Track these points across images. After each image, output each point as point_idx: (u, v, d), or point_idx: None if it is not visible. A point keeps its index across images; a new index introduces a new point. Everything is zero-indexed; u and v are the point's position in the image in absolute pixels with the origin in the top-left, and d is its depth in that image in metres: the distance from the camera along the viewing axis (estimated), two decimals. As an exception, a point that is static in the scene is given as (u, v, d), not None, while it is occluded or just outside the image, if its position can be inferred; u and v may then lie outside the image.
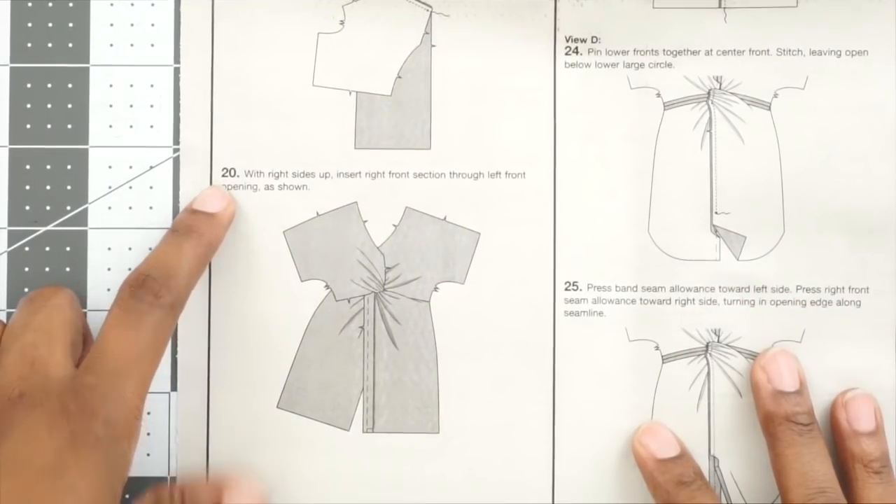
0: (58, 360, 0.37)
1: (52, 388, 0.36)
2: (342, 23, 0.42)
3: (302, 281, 0.42)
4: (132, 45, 0.42)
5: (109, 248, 0.42)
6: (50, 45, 0.42)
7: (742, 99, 0.42)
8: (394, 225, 0.42)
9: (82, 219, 0.42)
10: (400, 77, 0.42)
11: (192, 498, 0.38)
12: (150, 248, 0.42)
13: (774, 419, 0.39)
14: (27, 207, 0.42)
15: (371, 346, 0.42)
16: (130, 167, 0.42)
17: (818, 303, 0.42)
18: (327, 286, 0.42)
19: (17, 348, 0.37)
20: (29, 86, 0.42)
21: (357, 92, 0.42)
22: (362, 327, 0.42)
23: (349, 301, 0.42)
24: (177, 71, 0.42)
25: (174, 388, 0.42)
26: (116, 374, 0.36)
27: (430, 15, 0.42)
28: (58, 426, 0.35)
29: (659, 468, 0.40)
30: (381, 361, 0.42)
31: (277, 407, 0.42)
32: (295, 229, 0.42)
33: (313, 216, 0.42)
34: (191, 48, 0.42)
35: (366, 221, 0.42)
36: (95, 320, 0.42)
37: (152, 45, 0.42)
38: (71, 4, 0.42)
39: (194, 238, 0.40)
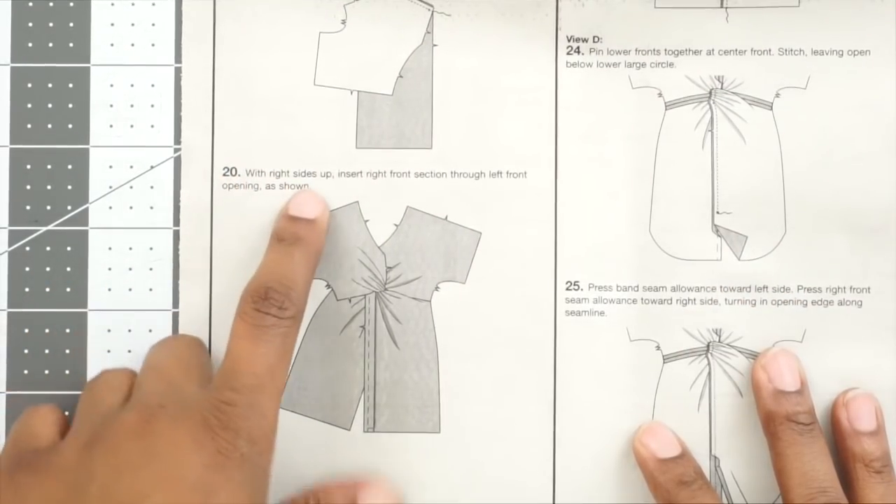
0: (193, 380, 0.37)
1: (192, 403, 0.36)
2: (343, 22, 0.42)
3: (303, 281, 0.42)
4: (133, 44, 0.42)
5: (110, 248, 0.42)
6: (51, 44, 0.42)
7: (744, 99, 0.42)
8: (395, 224, 0.42)
9: (83, 218, 0.42)
10: (401, 76, 0.42)
11: (327, 501, 0.39)
12: (151, 248, 0.42)
13: (775, 419, 0.40)
14: (28, 207, 0.42)
15: (372, 346, 0.42)
16: (131, 167, 0.42)
17: (819, 303, 0.42)
18: (328, 285, 0.42)
19: (153, 373, 0.38)
20: (30, 85, 0.42)
21: (358, 91, 0.42)
22: (363, 327, 0.42)
23: (350, 300, 0.42)
24: (178, 70, 0.42)
25: (175, 387, 0.42)
26: (253, 389, 0.36)
27: (432, 14, 0.42)
28: (203, 442, 0.35)
29: (660, 468, 0.40)
30: (381, 361, 0.42)
31: (278, 406, 0.42)
32: (296, 229, 0.42)
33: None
34: (192, 48, 0.42)
35: (367, 221, 0.42)
36: (95, 320, 0.42)
37: (153, 45, 0.42)
38: (72, 4, 0.42)
39: (302, 246, 0.40)
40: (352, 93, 0.42)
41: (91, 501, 0.34)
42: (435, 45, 0.42)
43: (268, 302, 0.37)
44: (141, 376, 0.39)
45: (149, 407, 0.36)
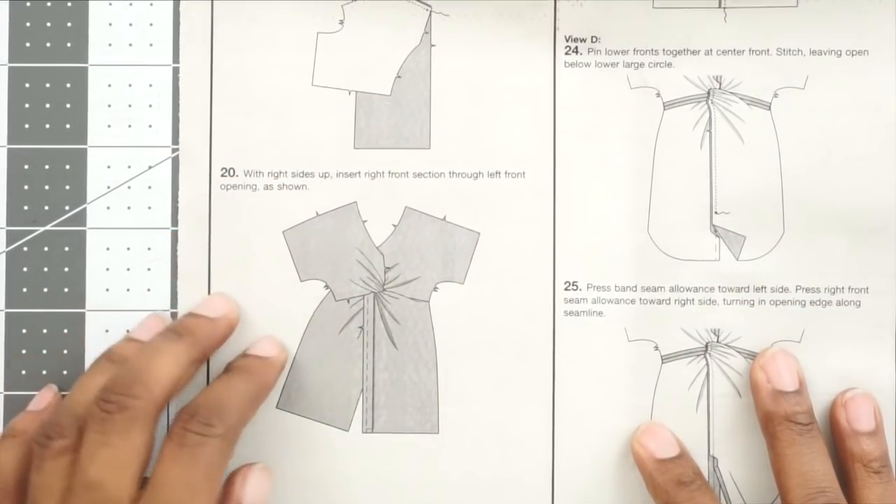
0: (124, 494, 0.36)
1: None
2: (342, 22, 0.42)
3: (301, 281, 0.42)
4: (131, 44, 0.42)
5: (108, 249, 0.42)
6: (48, 44, 0.42)
7: (742, 99, 0.42)
8: (393, 225, 0.42)
9: (81, 219, 0.42)
10: (399, 77, 0.42)
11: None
12: (149, 248, 0.42)
13: (774, 419, 0.39)
14: (25, 207, 0.42)
15: (370, 346, 0.42)
16: (129, 167, 0.42)
17: (818, 303, 0.42)
18: (327, 286, 0.42)
19: (83, 483, 0.36)
20: (27, 85, 0.42)
21: (356, 92, 0.42)
22: (362, 327, 0.42)
23: (349, 301, 0.42)
24: (176, 70, 0.42)
25: (173, 388, 0.42)
26: None
27: (430, 14, 0.42)
28: None
29: (658, 468, 0.40)
30: (380, 361, 0.42)
31: (277, 407, 0.42)
32: (294, 229, 0.42)
33: (313, 216, 0.42)
34: (190, 48, 0.42)
35: (365, 221, 0.42)
36: (93, 320, 0.42)
37: (151, 45, 0.42)
38: (69, 4, 0.42)
39: (245, 376, 0.40)
40: (350, 93, 0.42)
41: None
42: (433, 46, 0.42)
43: (194, 420, 0.37)
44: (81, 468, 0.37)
45: None
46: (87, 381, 0.39)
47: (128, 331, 0.42)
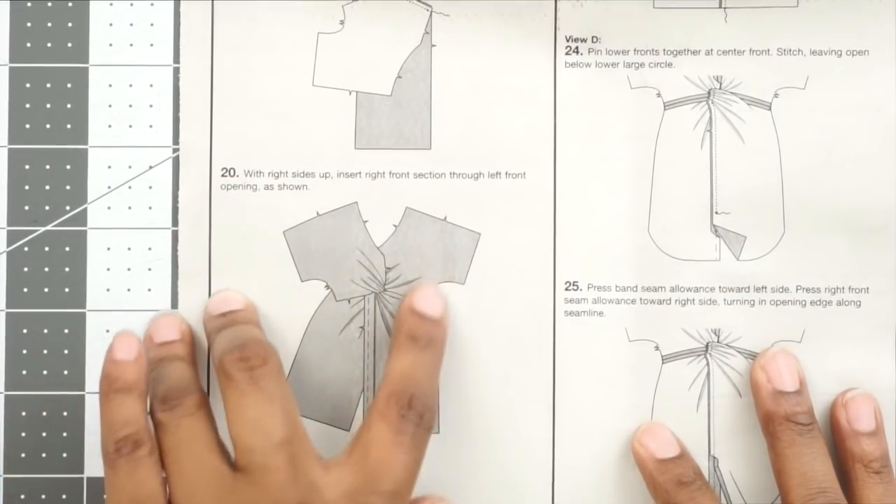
0: (310, 453, 0.37)
1: (329, 500, 0.36)
2: (342, 23, 0.42)
3: (302, 281, 0.42)
4: (131, 44, 0.42)
5: (109, 249, 0.42)
6: (49, 44, 0.42)
7: (742, 99, 0.42)
8: (394, 225, 0.42)
9: (81, 219, 0.42)
10: (400, 77, 0.42)
11: None
12: (150, 249, 0.42)
13: (774, 419, 0.39)
14: (26, 207, 0.42)
15: (371, 347, 0.42)
16: (130, 167, 0.42)
17: (818, 303, 0.42)
18: (327, 286, 0.42)
19: (263, 439, 0.36)
20: (28, 86, 0.42)
21: (357, 92, 0.42)
22: (363, 327, 0.42)
23: (349, 301, 0.42)
24: (176, 71, 0.42)
25: (174, 388, 0.42)
26: (394, 497, 0.37)
27: (430, 15, 0.42)
28: None
29: (659, 468, 0.40)
30: (381, 362, 0.42)
31: (277, 407, 0.42)
32: (295, 229, 0.42)
33: (313, 216, 0.42)
34: (190, 48, 0.42)
35: (366, 221, 0.42)
36: (94, 321, 0.42)
37: (151, 45, 0.42)
38: (70, 4, 0.42)
39: (435, 350, 0.40)
40: (350, 93, 0.42)
41: None
42: (434, 46, 0.42)
43: (412, 411, 0.37)
44: (244, 435, 0.36)
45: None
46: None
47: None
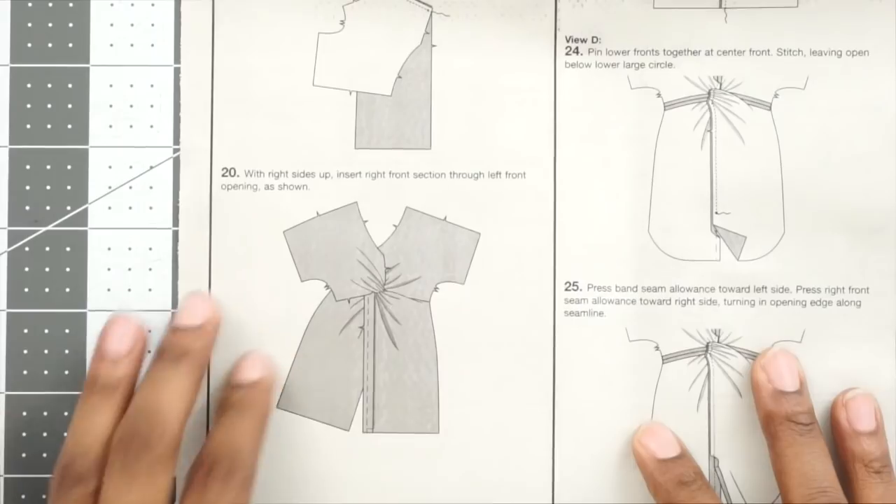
0: None
1: None
2: (342, 23, 0.42)
3: (302, 281, 0.42)
4: (132, 45, 0.42)
5: (109, 249, 0.42)
6: (50, 45, 0.42)
7: (742, 99, 0.42)
8: (394, 225, 0.42)
9: (82, 219, 0.42)
10: (400, 77, 0.42)
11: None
12: (150, 249, 0.42)
13: (775, 419, 0.39)
14: (27, 207, 0.42)
15: (371, 347, 0.42)
16: (130, 167, 0.42)
17: (818, 303, 0.42)
18: (327, 286, 0.42)
19: None
20: (29, 86, 0.42)
21: (357, 92, 0.42)
22: (362, 327, 0.42)
23: (349, 301, 0.42)
24: (177, 71, 0.42)
25: (174, 388, 0.42)
26: None
27: (431, 15, 0.42)
28: None
29: (659, 468, 0.40)
30: (381, 361, 0.42)
31: (277, 407, 0.42)
32: (295, 229, 0.42)
33: (313, 216, 0.42)
34: (191, 48, 0.42)
35: (366, 221, 0.42)
36: (95, 321, 0.42)
37: (152, 45, 0.42)
38: (71, 4, 0.42)
39: (247, 411, 0.40)
40: (351, 93, 0.42)
41: None
42: (434, 46, 0.42)
43: (213, 474, 0.37)
44: None
45: None
46: (85, 421, 0.38)
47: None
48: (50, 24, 0.42)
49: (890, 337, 0.41)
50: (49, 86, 0.42)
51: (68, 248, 0.42)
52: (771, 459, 0.40)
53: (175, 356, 0.39)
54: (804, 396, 0.40)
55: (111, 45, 0.42)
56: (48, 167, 0.42)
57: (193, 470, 0.38)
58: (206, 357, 0.40)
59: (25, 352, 0.42)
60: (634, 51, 0.42)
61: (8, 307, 0.42)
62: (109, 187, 0.42)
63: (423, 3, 0.42)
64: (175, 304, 0.42)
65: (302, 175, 0.42)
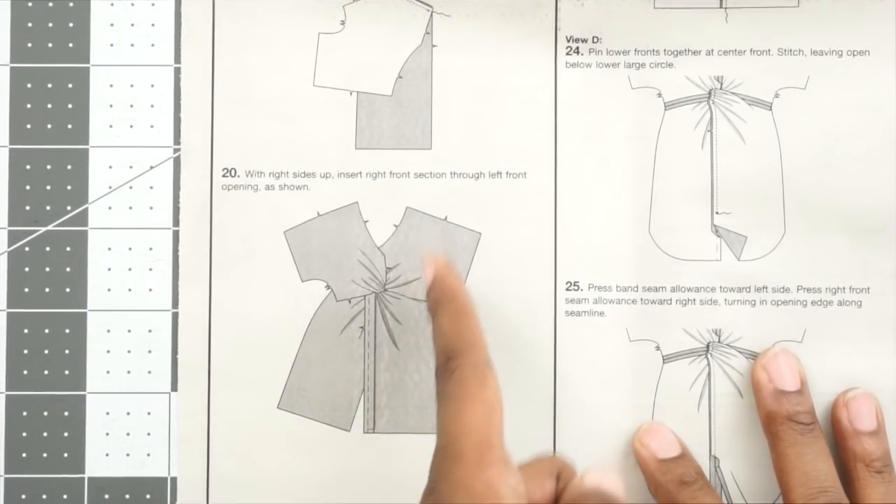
0: None
1: None
2: (343, 23, 0.42)
3: (302, 281, 0.42)
4: (132, 44, 0.42)
5: (110, 249, 0.42)
6: (50, 44, 0.42)
7: (743, 99, 0.42)
8: (395, 225, 0.42)
9: (82, 219, 0.42)
10: (401, 77, 0.42)
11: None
12: (151, 249, 0.42)
13: (776, 419, 0.39)
14: (27, 207, 0.42)
15: (372, 347, 0.42)
16: (131, 167, 0.42)
17: (819, 303, 0.42)
18: (328, 286, 0.42)
19: None
20: (29, 86, 0.42)
21: (358, 92, 0.42)
22: (363, 327, 0.42)
23: (350, 301, 0.42)
24: (177, 71, 0.42)
25: (174, 388, 0.42)
26: None
27: (431, 15, 0.42)
28: None
29: (660, 468, 0.40)
30: (381, 362, 0.42)
31: (278, 407, 0.42)
32: (295, 229, 0.42)
33: (314, 216, 0.42)
34: (191, 48, 0.42)
35: (367, 221, 0.42)
36: (95, 321, 0.42)
37: (153, 45, 0.42)
38: (71, 4, 0.42)
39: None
40: (351, 93, 0.42)
41: None
42: (434, 46, 0.42)
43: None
44: None
45: None
46: None
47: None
48: (50, 24, 0.42)
49: (890, 337, 0.41)
50: (49, 85, 0.42)
51: (68, 248, 0.42)
52: (772, 459, 0.40)
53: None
54: (805, 396, 0.40)
55: (111, 44, 0.42)
56: (48, 167, 0.42)
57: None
58: None
59: (26, 352, 0.42)
60: (635, 51, 0.42)
61: (8, 307, 0.42)
62: (110, 187, 0.42)
63: (424, 4, 0.42)
64: (175, 304, 0.42)
65: (302, 175, 0.42)
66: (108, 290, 0.42)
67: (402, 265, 0.42)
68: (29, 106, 0.42)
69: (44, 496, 0.42)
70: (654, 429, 0.41)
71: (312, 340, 0.42)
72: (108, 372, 0.42)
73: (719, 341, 0.42)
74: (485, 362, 0.34)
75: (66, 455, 0.42)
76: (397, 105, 0.42)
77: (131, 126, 0.42)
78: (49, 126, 0.42)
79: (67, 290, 0.42)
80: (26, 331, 0.42)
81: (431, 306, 0.37)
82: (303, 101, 0.42)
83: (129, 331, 0.42)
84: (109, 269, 0.42)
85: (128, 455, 0.42)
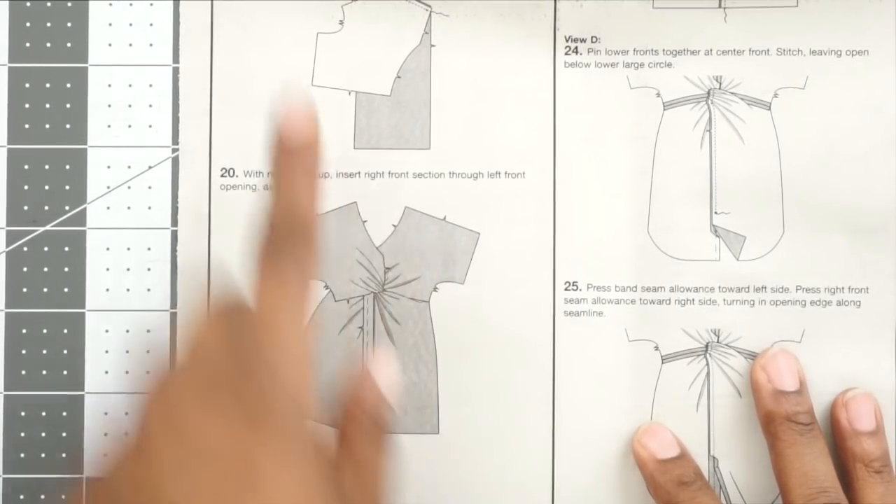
0: None
1: None
2: (341, 23, 0.42)
3: (301, 281, 0.42)
4: (131, 44, 0.42)
5: (108, 249, 0.42)
6: (48, 44, 0.42)
7: (742, 99, 0.42)
8: (393, 225, 0.42)
9: (81, 219, 0.42)
10: (399, 77, 0.42)
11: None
12: (149, 249, 0.42)
13: (775, 419, 0.39)
14: (25, 207, 0.42)
15: (370, 347, 0.42)
16: (129, 167, 0.42)
17: (818, 303, 0.41)
18: (326, 286, 0.42)
19: None
20: (27, 85, 0.42)
21: (356, 92, 0.42)
22: (362, 328, 0.42)
23: (348, 301, 0.42)
24: (175, 71, 0.42)
25: (173, 388, 0.42)
26: None
27: (430, 15, 0.42)
28: None
29: (659, 469, 0.40)
30: (380, 362, 0.42)
31: (277, 407, 0.42)
32: (294, 229, 0.42)
33: (312, 216, 0.42)
34: (190, 48, 0.42)
35: (365, 221, 0.42)
36: (93, 321, 0.42)
37: (151, 45, 0.42)
38: (69, 4, 0.42)
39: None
40: (350, 93, 0.42)
41: None
42: (433, 46, 0.42)
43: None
44: None
45: None
46: None
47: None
48: (48, 24, 0.42)
49: (890, 337, 0.41)
50: (47, 85, 0.42)
51: (67, 248, 0.42)
52: (771, 459, 0.40)
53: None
54: (804, 396, 0.40)
55: (110, 44, 0.42)
56: (46, 167, 0.42)
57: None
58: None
59: (24, 352, 0.42)
60: (634, 51, 0.42)
61: (6, 307, 0.42)
62: (108, 187, 0.42)
63: (423, 3, 0.42)
64: (174, 304, 0.42)
65: (301, 175, 0.42)
66: (107, 290, 0.42)
67: (400, 265, 0.42)
68: (27, 106, 0.42)
69: (42, 496, 0.42)
70: (652, 429, 0.41)
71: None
72: (106, 372, 0.42)
73: (718, 341, 0.42)
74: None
75: (64, 455, 0.42)
76: (396, 105, 0.42)
77: (129, 126, 0.42)
78: (47, 126, 0.42)
79: (65, 290, 0.42)
80: (24, 331, 0.42)
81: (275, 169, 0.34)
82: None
83: (128, 331, 0.42)
84: (108, 269, 0.42)
85: (126, 455, 0.42)
